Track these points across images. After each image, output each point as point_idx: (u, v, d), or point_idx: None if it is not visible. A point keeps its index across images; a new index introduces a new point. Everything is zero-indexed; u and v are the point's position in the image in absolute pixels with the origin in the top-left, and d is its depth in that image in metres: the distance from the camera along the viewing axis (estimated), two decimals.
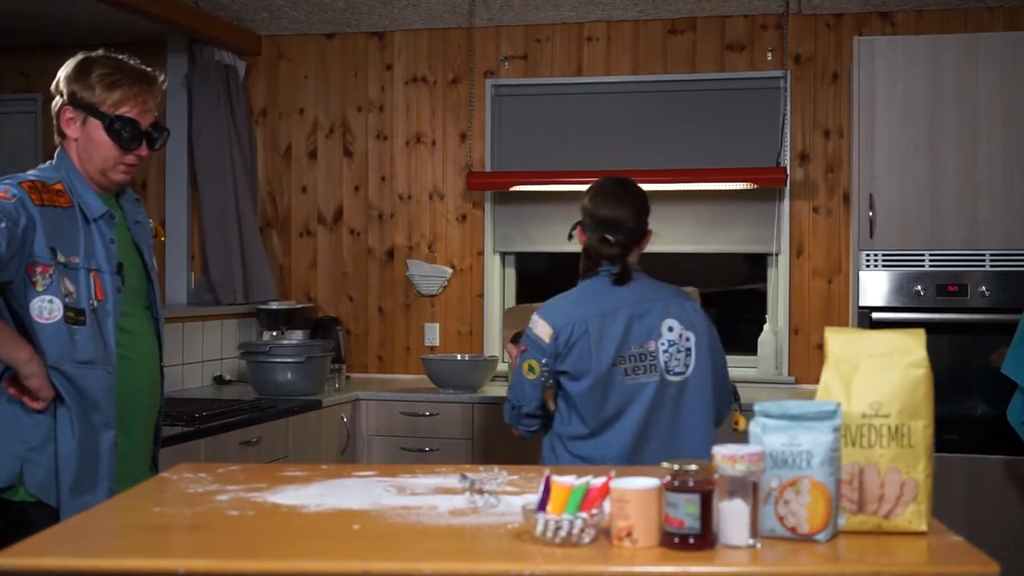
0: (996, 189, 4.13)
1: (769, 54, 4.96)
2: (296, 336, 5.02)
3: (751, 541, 1.65)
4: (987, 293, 4.11)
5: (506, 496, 1.99)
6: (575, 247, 3.04)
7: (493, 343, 5.22)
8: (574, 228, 3.00)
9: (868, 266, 4.21)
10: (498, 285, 5.28)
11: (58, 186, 2.51)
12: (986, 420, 4.11)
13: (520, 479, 2.16)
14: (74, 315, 2.46)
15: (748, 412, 2.15)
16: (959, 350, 4.21)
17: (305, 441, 4.29)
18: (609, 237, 2.90)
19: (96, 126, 2.54)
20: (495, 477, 2.17)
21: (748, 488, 1.65)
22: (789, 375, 4.90)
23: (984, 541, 3.44)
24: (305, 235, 5.44)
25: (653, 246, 3.15)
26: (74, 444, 2.46)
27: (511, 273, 5.34)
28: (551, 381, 2.92)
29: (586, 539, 1.67)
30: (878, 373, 1.79)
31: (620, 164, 4.99)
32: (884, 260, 4.20)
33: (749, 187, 4.85)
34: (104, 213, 2.55)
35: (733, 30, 5.01)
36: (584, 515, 1.66)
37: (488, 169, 5.21)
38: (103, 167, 2.56)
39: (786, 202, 4.92)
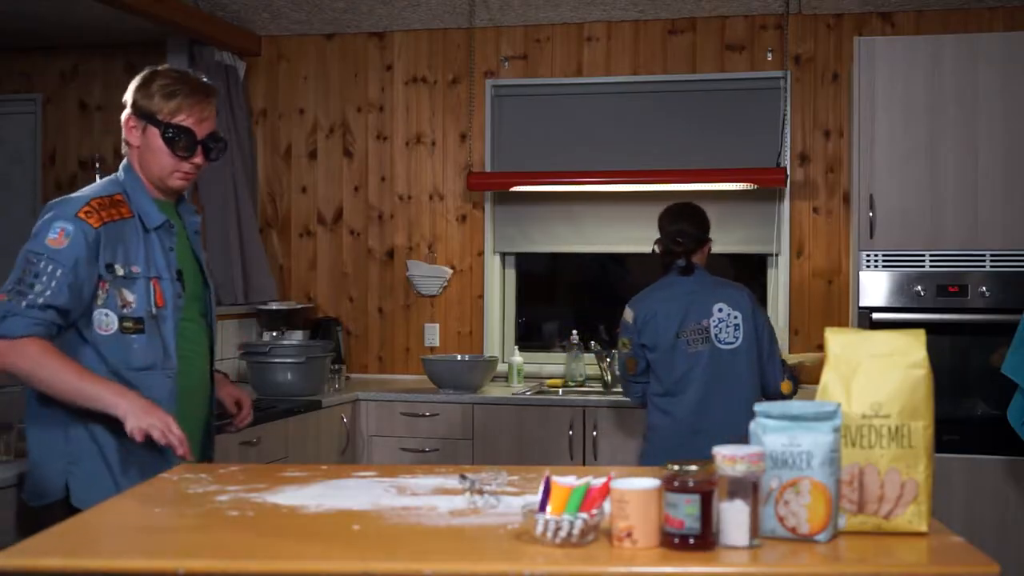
0: (996, 189, 4.13)
1: (769, 54, 4.95)
2: (296, 336, 5.02)
3: (751, 541, 1.65)
4: (987, 293, 4.11)
5: (506, 496, 2.00)
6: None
7: (493, 344, 5.22)
8: (656, 243, 3.81)
9: (868, 266, 4.21)
10: (498, 286, 5.27)
11: (118, 197, 2.59)
12: (986, 420, 4.11)
13: (520, 479, 2.16)
14: (132, 324, 2.53)
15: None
16: (959, 350, 4.21)
17: (305, 441, 4.29)
18: (679, 240, 3.75)
19: (154, 134, 2.61)
20: (495, 477, 2.16)
21: (748, 488, 1.65)
22: None
23: (984, 541, 3.44)
24: (305, 235, 5.44)
25: None
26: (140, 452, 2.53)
27: (511, 274, 5.33)
28: (637, 352, 3.72)
29: (586, 540, 1.67)
30: (878, 374, 1.79)
31: (620, 164, 4.99)
32: (884, 260, 4.19)
33: (749, 187, 4.85)
34: (163, 223, 2.63)
35: (733, 30, 5.01)
36: (584, 515, 1.66)
37: (488, 169, 5.21)
38: (160, 174, 2.63)
39: (786, 202, 4.92)
